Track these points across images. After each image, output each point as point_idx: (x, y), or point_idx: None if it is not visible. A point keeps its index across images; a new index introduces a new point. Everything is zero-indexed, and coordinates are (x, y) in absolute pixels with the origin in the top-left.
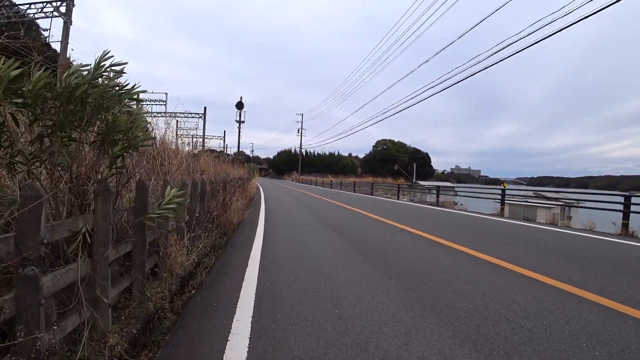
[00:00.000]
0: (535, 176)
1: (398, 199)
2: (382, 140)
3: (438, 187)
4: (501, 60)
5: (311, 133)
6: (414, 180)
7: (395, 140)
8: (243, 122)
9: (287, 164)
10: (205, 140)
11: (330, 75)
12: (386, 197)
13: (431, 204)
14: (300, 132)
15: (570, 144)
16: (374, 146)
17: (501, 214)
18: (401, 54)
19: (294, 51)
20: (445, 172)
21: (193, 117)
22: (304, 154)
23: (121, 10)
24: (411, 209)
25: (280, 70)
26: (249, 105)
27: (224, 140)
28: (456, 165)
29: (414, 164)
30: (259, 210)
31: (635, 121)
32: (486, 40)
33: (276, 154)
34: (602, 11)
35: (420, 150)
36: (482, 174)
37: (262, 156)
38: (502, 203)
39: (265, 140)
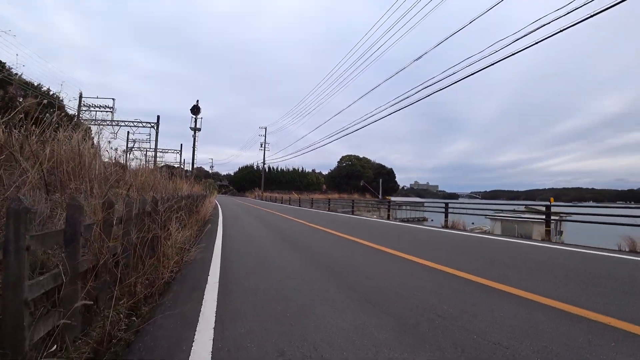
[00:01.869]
0: (488, 190)
1: (389, 218)
2: (347, 155)
3: (447, 204)
4: (456, 82)
5: (274, 149)
6: (380, 196)
7: (360, 156)
8: (199, 129)
9: (248, 180)
10: (160, 153)
11: (294, 92)
12: (371, 217)
13: (441, 226)
14: (263, 146)
15: (518, 159)
16: (338, 162)
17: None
18: (362, 72)
19: (257, 67)
20: (405, 188)
21: (144, 127)
22: (267, 169)
23: (77, 15)
24: (444, 237)
25: (242, 85)
26: (209, 121)
27: (181, 155)
28: (415, 181)
29: (380, 180)
30: (213, 242)
31: (572, 139)
32: (444, 61)
33: (237, 170)
34: (548, 39)
35: (384, 166)
36: (439, 189)
37: (223, 172)
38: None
39: (225, 156)
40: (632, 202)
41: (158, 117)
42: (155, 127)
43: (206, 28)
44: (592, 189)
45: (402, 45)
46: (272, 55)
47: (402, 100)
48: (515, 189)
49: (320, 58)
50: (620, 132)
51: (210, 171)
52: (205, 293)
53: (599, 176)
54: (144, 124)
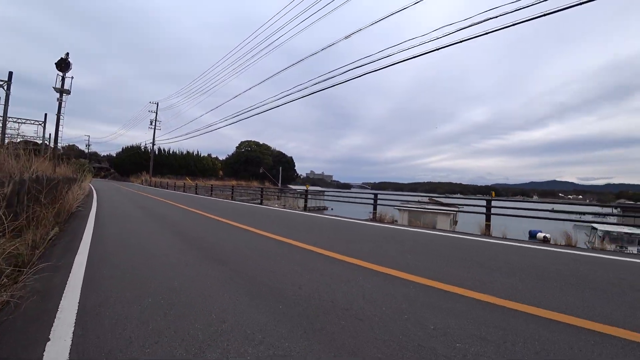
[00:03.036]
0: (377, 181)
1: (305, 209)
2: (247, 141)
3: (376, 195)
4: (355, 78)
5: (165, 129)
6: (280, 185)
7: (260, 142)
8: (68, 92)
9: (134, 163)
10: (14, 124)
11: (190, 70)
12: (293, 209)
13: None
14: (154, 124)
15: (402, 155)
16: (237, 147)
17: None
18: (263, 58)
19: (150, 37)
20: (302, 177)
21: None
22: (157, 151)
23: None
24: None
25: (132, 55)
26: (87, 92)
27: (45, 127)
28: (311, 171)
29: (280, 168)
30: (71, 259)
31: (446, 141)
32: (345, 56)
33: (121, 150)
34: (438, 50)
35: (284, 154)
36: (334, 178)
37: (103, 153)
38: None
39: (105, 135)
40: (487, 196)
41: (10, 73)
42: (6, 88)
43: None
44: (460, 183)
45: (306, 36)
46: (170, 27)
47: (302, 89)
48: (399, 182)
49: (222, 38)
50: (483, 139)
51: (87, 151)
52: None
53: (465, 174)
54: None
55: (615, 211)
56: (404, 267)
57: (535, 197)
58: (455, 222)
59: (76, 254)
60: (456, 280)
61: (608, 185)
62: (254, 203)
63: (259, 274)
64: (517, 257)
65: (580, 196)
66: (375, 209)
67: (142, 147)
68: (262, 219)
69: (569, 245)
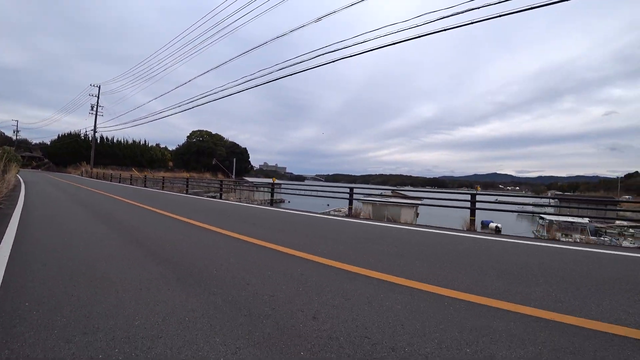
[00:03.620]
0: (330, 174)
1: (273, 204)
2: (198, 131)
3: (351, 189)
4: (307, 70)
5: (108, 116)
6: (233, 176)
7: (213, 132)
8: None
9: (72, 152)
10: None
11: (136, 53)
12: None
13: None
14: (95, 109)
15: (355, 149)
16: (188, 137)
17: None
18: (214, 45)
19: (89, 11)
20: (255, 169)
21: None
22: (98, 140)
23: None
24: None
25: (67, 30)
26: (16, 71)
27: None
28: (264, 162)
29: (234, 159)
30: None
31: (396, 135)
32: (299, 46)
33: (56, 138)
34: (390, 46)
35: (238, 145)
36: (287, 170)
37: (35, 141)
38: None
39: (37, 120)
40: (436, 187)
41: None
42: None
43: None
44: (410, 176)
45: (259, 24)
46: (112, 3)
47: (254, 79)
48: (352, 174)
49: (170, 21)
50: (430, 134)
51: (15, 137)
52: None
53: (414, 166)
54: None
55: (552, 202)
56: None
57: (479, 189)
58: (417, 215)
59: None
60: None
61: (540, 178)
62: (209, 196)
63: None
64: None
65: (517, 187)
66: (351, 204)
67: (82, 135)
68: (234, 217)
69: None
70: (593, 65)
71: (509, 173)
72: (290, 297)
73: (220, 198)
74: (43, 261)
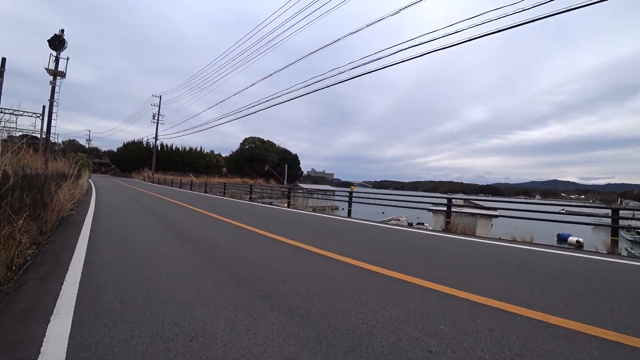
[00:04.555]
0: (378, 180)
1: (350, 215)
2: (251, 137)
3: (449, 200)
4: (356, 77)
5: (166, 126)
6: (285, 182)
7: (265, 139)
8: (62, 75)
9: (136, 159)
10: (11, 116)
11: (188, 66)
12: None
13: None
14: (156, 117)
15: (403, 154)
16: (241, 144)
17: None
18: (264, 55)
19: (149, 32)
20: (303, 175)
21: None
22: (159, 147)
23: None
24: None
25: (127, 49)
26: (86, 86)
27: (43, 119)
28: (312, 168)
29: (285, 165)
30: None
31: (446, 140)
32: (347, 54)
33: (122, 146)
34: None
35: (289, 151)
36: (335, 177)
37: (103, 149)
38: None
39: (104, 130)
40: (489, 195)
41: (3, 59)
42: None
43: None
44: (461, 183)
45: (306, 34)
46: (166, 21)
47: (302, 87)
48: (400, 180)
49: (221, 35)
50: (482, 138)
51: (87, 146)
52: None
53: (465, 172)
54: None
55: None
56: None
57: (537, 197)
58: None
59: (51, 315)
60: None
61: (609, 185)
62: (281, 205)
63: None
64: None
65: (583, 196)
66: (449, 216)
67: (144, 143)
68: (326, 233)
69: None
70: None
71: (571, 180)
72: None
73: (289, 206)
74: (119, 297)
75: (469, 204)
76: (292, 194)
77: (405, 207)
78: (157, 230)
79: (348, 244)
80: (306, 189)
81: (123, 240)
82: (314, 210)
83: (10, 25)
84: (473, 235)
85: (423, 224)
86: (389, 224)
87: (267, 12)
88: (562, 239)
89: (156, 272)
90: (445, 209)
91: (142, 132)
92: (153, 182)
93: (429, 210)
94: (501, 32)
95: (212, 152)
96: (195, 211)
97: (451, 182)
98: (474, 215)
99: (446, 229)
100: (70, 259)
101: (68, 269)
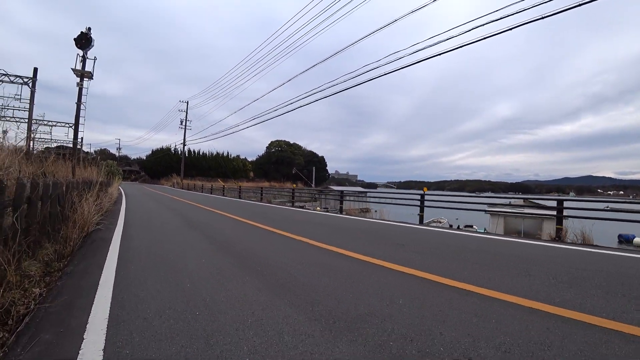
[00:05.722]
0: (402, 180)
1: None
2: (277, 141)
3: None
4: (377, 78)
5: (192, 132)
6: (313, 185)
7: (291, 142)
8: (90, 76)
9: (164, 165)
10: (46, 127)
11: (212, 74)
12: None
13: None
14: (184, 124)
15: (426, 153)
16: (267, 147)
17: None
18: (285, 60)
19: (172, 42)
20: (328, 177)
21: (13, 83)
22: (187, 153)
23: None
24: None
25: (154, 60)
26: (116, 98)
27: (76, 128)
28: (336, 171)
29: (313, 168)
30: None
31: (471, 138)
32: (366, 56)
33: (150, 153)
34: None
35: (316, 154)
36: (358, 178)
37: (133, 156)
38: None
39: (133, 139)
40: (519, 193)
41: (35, 69)
42: (31, 85)
43: None
44: (489, 181)
45: (325, 37)
46: (193, 33)
47: (323, 90)
48: (425, 180)
49: (242, 41)
50: (509, 134)
51: (118, 154)
52: None
53: (491, 170)
54: (12, 78)
55: None
56: None
57: (572, 194)
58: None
59: None
60: None
61: None
62: (333, 212)
63: None
64: None
65: (622, 192)
66: (560, 222)
67: (172, 149)
68: (379, 237)
69: None
70: None
71: (607, 175)
72: None
73: (341, 212)
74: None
75: (529, 203)
76: (323, 196)
77: (462, 209)
78: (204, 250)
79: (405, 253)
80: (340, 190)
81: (163, 272)
82: (360, 212)
83: (39, 40)
84: (592, 245)
85: (472, 226)
86: (447, 230)
87: (286, 18)
88: (625, 240)
89: (227, 332)
90: (547, 213)
91: (169, 139)
92: (182, 188)
93: (486, 212)
94: (529, 24)
95: (238, 156)
96: (242, 222)
97: (479, 181)
98: (540, 217)
99: (557, 238)
100: (89, 313)
101: (83, 339)
